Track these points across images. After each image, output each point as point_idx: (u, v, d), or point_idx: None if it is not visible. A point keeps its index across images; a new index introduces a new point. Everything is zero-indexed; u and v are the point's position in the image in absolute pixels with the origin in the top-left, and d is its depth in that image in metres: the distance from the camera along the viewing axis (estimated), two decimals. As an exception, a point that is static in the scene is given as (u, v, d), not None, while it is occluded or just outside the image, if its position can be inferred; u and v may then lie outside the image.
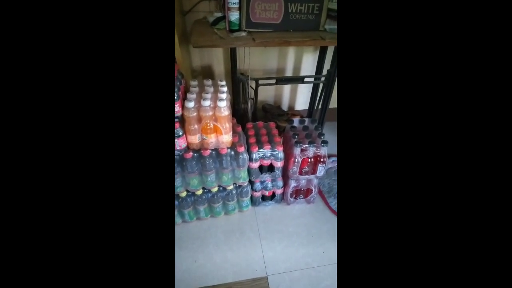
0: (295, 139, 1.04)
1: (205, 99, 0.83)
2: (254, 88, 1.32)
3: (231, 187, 1.08)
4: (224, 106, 0.84)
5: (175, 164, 0.93)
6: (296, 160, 1.04)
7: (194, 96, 0.84)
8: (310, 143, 1.02)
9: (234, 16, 0.99)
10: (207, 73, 1.44)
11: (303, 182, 1.16)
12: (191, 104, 0.82)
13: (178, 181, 0.98)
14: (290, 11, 1.00)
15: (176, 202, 1.05)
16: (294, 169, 1.06)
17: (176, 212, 1.09)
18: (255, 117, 1.40)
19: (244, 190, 1.12)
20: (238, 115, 1.29)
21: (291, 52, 1.45)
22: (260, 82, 1.26)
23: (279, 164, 1.05)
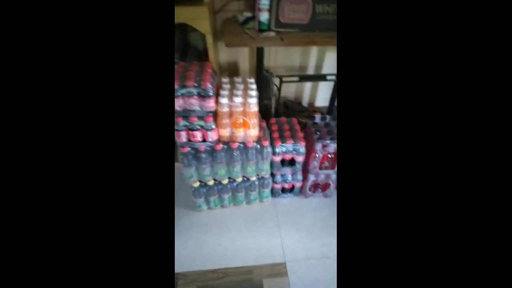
0: (317, 135, 1.09)
1: (236, 95, 0.90)
2: (278, 84, 1.38)
3: (254, 178, 1.16)
4: (254, 102, 0.91)
5: (206, 155, 1.01)
6: (317, 155, 1.09)
7: (226, 92, 0.91)
8: (332, 139, 1.07)
9: (264, 16, 1.04)
10: (233, 69, 1.51)
11: (322, 177, 1.21)
12: (224, 100, 0.89)
13: (207, 171, 1.06)
14: (317, 11, 1.04)
15: (204, 190, 1.14)
16: (314, 164, 1.12)
17: (202, 199, 1.18)
18: (277, 113, 1.46)
19: (266, 182, 1.19)
20: (262, 110, 1.36)
21: (314, 50, 1.49)
22: (284, 79, 1.31)
23: (300, 159, 1.11)
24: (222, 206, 1.26)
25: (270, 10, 1.03)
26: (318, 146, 1.07)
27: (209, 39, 1.04)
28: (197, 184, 1.12)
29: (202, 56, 1.38)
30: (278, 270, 1.03)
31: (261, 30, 1.07)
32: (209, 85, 0.86)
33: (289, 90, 1.66)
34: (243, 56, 1.47)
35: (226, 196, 1.19)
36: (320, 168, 1.15)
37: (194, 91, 0.87)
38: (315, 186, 1.25)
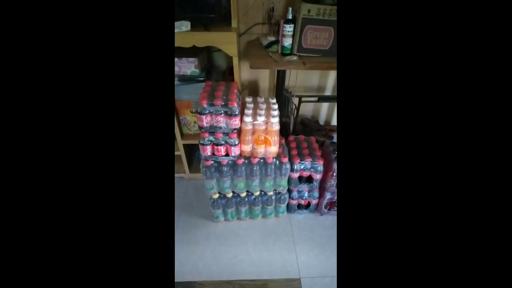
0: (335, 155, 1.12)
1: (260, 115, 0.97)
2: (296, 104, 1.44)
3: (271, 193, 1.20)
4: (276, 122, 0.97)
5: (227, 168, 1.07)
6: (334, 174, 1.12)
7: (250, 111, 0.98)
8: (349, 159, 1.10)
9: (287, 42, 1.12)
10: (253, 87, 1.59)
11: (338, 195, 1.23)
12: (248, 119, 0.96)
13: (227, 183, 1.12)
14: (338, 38, 1.10)
15: (222, 201, 1.19)
16: (331, 182, 1.15)
17: (220, 211, 1.23)
18: (294, 131, 1.51)
19: (282, 197, 1.22)
20: (280, 128, 1.41)
21: (332, 72, 1.55)
22: (303, 99, 1.37)
23: (318, 176, 1.15)
24: (239, 219, 1.30)
25: (293, 36, 1.10)
26: (336, 165, 1.10)
27: (235, 60, 1.12)
28: (216, 195, 1.17)
29: (225, 74, 1.47)
30: (293, 286, 1.05)
31: (284, 54, 1.14)
32: (235, 105, 0.93)
33: (306, 109, 1.72)
34: (264, 76, 1.55)
35: (243, 209, 1.24)
36: (337, 187, 1.17)
37: (222, 110, 0.94)
38: (331, 204, 1.27)
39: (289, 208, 1.31)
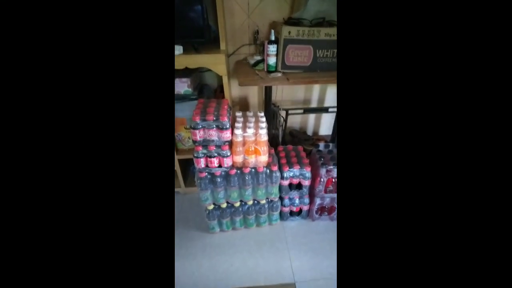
0: (321, 161, 1.20)
1: (249, 127, 1.05)
2: (284, 116, 1.53)
3: (264, 201, 1.25)
4: (264, 133, 1.05)
5: (221, 179, 1.13)
6: (322, 179, 1.20)
7: (240, 125, 1.06)
8: (335, 165, 1.18)
9: (272, 60, 1.22)
10: (243, 103, 1.68)
11: (327, 200, 1.30)
12: (239, 132, 1.03)
13: (221, 194, 1.17)
14: (318, 56, 1.22)
15: (217, 212, 1.24)
16: (319, 187, 1.22)
17: (216, 222, 1.27)
18: (284, 141, 1.59)
19: (275, 205, 1.28)
20: (270, 139, 1.49)
21: (316, 86, 1.66)
22: (290, 112, 1.46)
23: (306, 183, 1.22)
24: (234, 229, 1.34)
25: (277, 55, 1.21)
26: (323, 171, 1.18)
27: (225, 79, 1.22)
28: (211, 206, 1.22)
29: (217, 92, 1.56)
30: (288, 291, 1.08)
31: (269, 71, 1.25)
32: (226, 119, 1.01)
33: (294, 121, 1.81)
34: (253, 92, 1.65)
35: (238, 219, 1.28)
36: (325, 192, 1.24)
37: (213, 124, 1.02)
38: (322, 209, 1.33)
39: (282, 216, 1.36)
